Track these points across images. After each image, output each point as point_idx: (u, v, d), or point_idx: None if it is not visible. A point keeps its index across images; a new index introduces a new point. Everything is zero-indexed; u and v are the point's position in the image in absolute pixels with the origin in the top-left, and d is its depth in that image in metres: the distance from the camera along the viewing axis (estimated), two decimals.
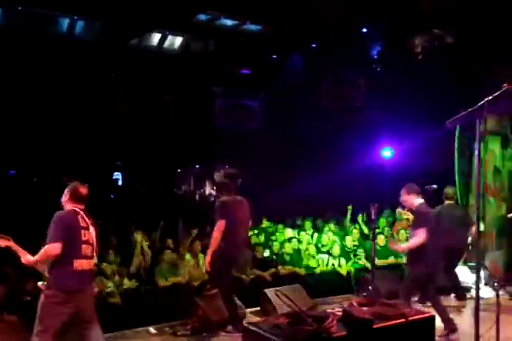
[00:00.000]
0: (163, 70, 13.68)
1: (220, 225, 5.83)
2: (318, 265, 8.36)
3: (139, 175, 15.81)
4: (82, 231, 4.17)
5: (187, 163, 17.26)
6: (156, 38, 13.76)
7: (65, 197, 4.30)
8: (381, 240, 8.65)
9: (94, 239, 4.28)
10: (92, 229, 4.28)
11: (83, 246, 4.15)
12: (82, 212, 4.24)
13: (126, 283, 6.60)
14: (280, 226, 9.83)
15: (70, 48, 12.48)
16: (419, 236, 5.53)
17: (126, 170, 17.03)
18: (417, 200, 5.77)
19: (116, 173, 17.17)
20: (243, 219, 6.09)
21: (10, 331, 5.04)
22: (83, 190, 4.31)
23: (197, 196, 15.92)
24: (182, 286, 6.98)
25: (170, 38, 13.77)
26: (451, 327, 5.65)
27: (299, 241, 8.88)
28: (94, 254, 4.30)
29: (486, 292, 6.73)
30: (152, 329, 6.23)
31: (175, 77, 13.97)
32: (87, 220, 4.24)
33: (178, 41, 13.87)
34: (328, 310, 3.19)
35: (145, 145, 13.71)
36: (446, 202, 7.41)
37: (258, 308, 6.74)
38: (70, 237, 4.07)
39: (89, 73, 12.86)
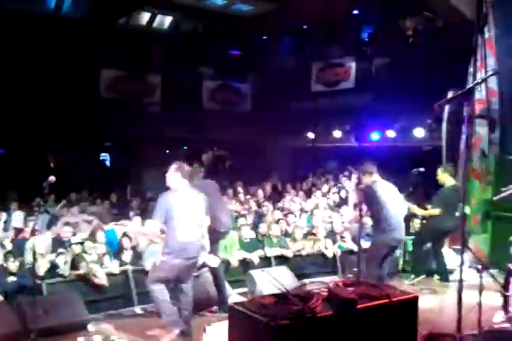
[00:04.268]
0: (152, 50, 13.52)
1: None
2: (305, 247, 8.39)
3: (127, 156, 15.69)
4: None
5: (175, 145, 17.15)
6: (145, 17, 13.58)
7: None
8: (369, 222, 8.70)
9: None
10: None
11: None
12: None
13: (112, 263, 6.60)
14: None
15: (58, 27, 12.28)
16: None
17: (113, 151, 16.88)
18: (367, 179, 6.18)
19: (103, 154, 17.04)
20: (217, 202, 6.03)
21: None
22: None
23: None
24: None
25: (159, 17, 13.60)
26: None
27: (287, 223, 8.92)
28: None
29: (470, 274, 6.81)
30: (138, 310, 6.26)
31: (163, 56, 13.81)
32: None
33: (167, 21, 13.71)
34: (314, 290, 3.20)
35: (132, 125, 13.58)
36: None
37: (245, 289, 6.77)
38: None
39: (76, 52, 12.67)
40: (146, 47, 13.47)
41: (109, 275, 6.38)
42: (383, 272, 6.21)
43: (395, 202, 6.14)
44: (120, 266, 6.63)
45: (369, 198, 5.99)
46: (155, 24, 13.40)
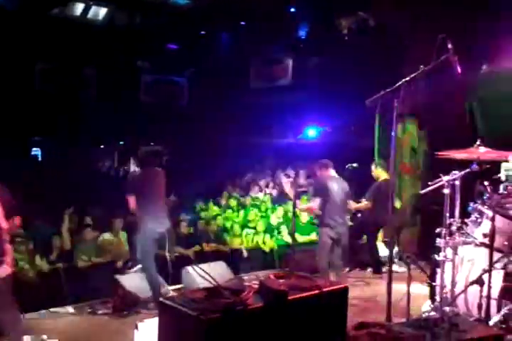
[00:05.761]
0: (87, 42, 13.11)
1: (131, 201, 5.69)
2: (243, 242, 8.45)
3: (59, 151, 15.20)
4: None
5: (111, 139, 16.78)
6: (79, 7, 13.12)
7: None
8: (304, 217, 8.86)
9: None
10: None
11: None
12: None
13: (41, 262, 6.40)
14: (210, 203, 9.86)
15: None
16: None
17: (45, 146, 16.33)
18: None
19: (34, 149, 16.48)
20: (157, 190, 5.94)
21: None
22: None
23: (120, 173, 15.53)
24: (104, 265, 6.87)
25: (94, 8, 13.17)
26: None
27: (225, 219, 8.94)
28: None
29: (400, 266, 7.06)
30: (71, 309, 6.09)
31: (99, 49, 13.43)
32: None
33: (102, 12, 13.30)
34: (246, 283, 3.22)
35: (65, 119, 13.14)
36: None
37: (181, 285, 6.73)
38: None
39: (8, 43, 12.10)
40: (81, 38, 13.05)
41: (40, 273, 6.20)
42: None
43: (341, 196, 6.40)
44: (51, 264, 6.45)
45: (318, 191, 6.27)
46: (89, 15, 12.98)
